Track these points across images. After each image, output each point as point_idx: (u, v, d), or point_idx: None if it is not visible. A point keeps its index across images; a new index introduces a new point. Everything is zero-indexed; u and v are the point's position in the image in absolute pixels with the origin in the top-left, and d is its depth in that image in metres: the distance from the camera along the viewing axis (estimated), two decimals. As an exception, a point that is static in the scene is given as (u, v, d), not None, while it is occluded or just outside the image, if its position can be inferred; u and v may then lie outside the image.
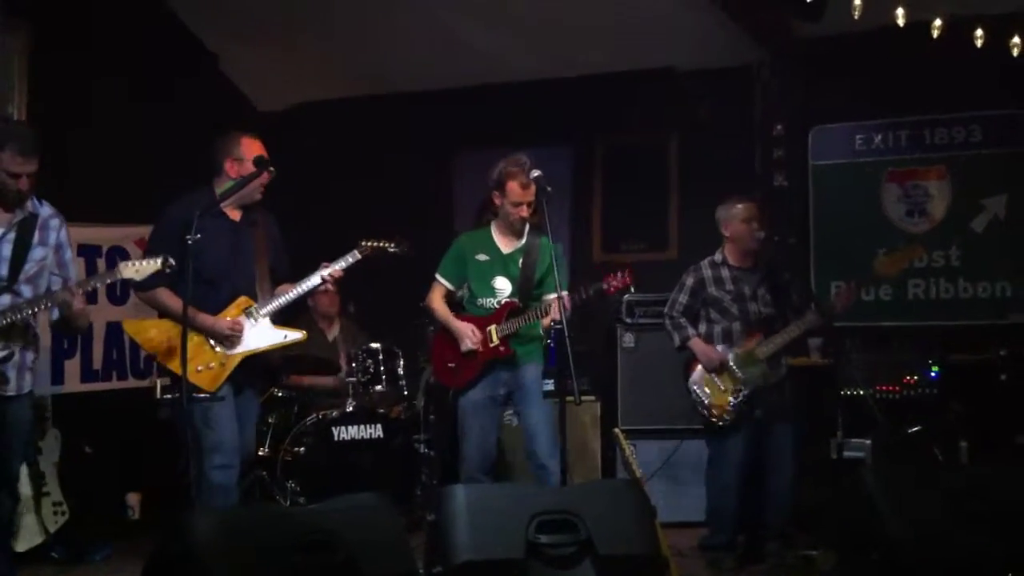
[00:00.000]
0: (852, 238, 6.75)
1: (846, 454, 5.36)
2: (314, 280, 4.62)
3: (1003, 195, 6.47)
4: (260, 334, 4.56)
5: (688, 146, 7.42)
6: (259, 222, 4.71)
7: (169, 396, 4.63)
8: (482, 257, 5.13)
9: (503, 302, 5.06)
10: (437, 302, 5.21)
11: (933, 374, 5.64)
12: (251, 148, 4.59)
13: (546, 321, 4.92)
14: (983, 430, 5.21)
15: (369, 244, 4.71)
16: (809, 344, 6.04)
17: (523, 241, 5.11)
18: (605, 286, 4.82)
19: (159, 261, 4.13)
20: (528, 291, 5.06)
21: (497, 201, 5.08)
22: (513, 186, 4.97)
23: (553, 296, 4.76)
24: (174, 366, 4.42)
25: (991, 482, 3.84)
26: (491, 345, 4.99)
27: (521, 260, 5.07)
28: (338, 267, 4.66)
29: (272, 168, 4.58)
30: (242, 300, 4.57)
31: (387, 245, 4.75)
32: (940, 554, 3.74)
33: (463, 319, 5.10)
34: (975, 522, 3.75)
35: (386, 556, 3.35)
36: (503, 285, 5.09)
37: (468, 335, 5.00)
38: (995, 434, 5.17)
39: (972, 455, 5.18)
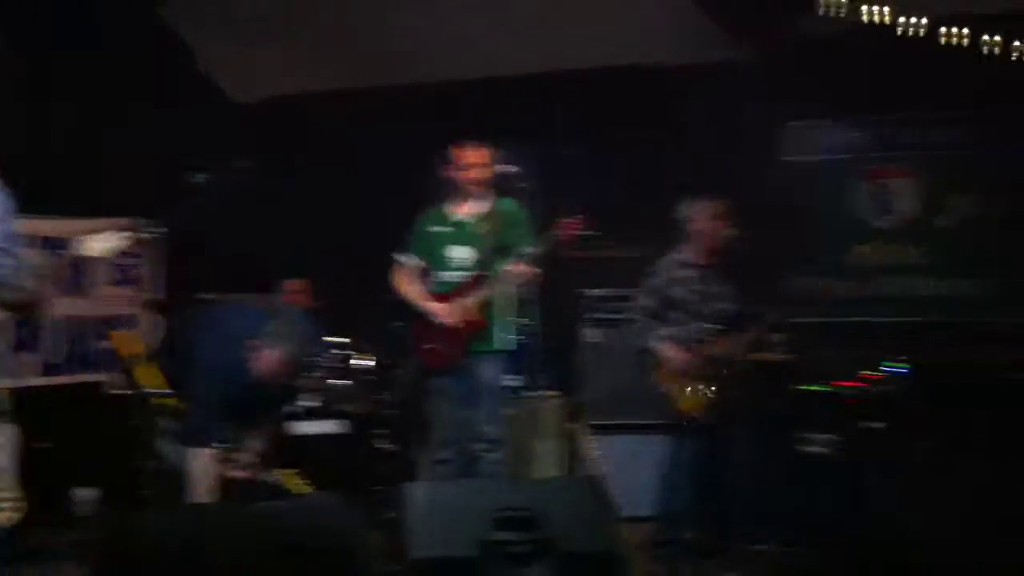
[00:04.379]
0: (825, 235, 6.77)
1: (808, 450, 5.34)
2: None
3: (970, 194, 6.49)
4: None
5: (663, 143, 7.38)
6: None
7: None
8: (438, 228, 5.09)
9: (469, 275, 5.00)
10: (404, 284, 5.14)
11: (896, 370, 5.62)
12: None
13: (515, 275, 4.82)
14: (946, 427, 5.20)
15: None
16: (770, 340, 6.02)
17: (481, 207, 5.05)
18: (558, 233, 4.79)
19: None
20: (491, 254, 4.98)
21: (450, 174, 5.05)
22: (459, 151, 4.99)
23: (516, 259, 4.81)
24: None
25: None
26: (464, 319, 4.95)
27: (481, 225, 5.02)
28: None
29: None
30: None
31: None
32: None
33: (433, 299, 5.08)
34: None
35: (346, 552, 3.32)
36: (462, 254, 5.03)
37: (441, 312, 4.96)
38: (958, 431, 5.16)
39: (934, 452, 5.16)
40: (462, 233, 5.05)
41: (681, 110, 6.97)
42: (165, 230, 4.17)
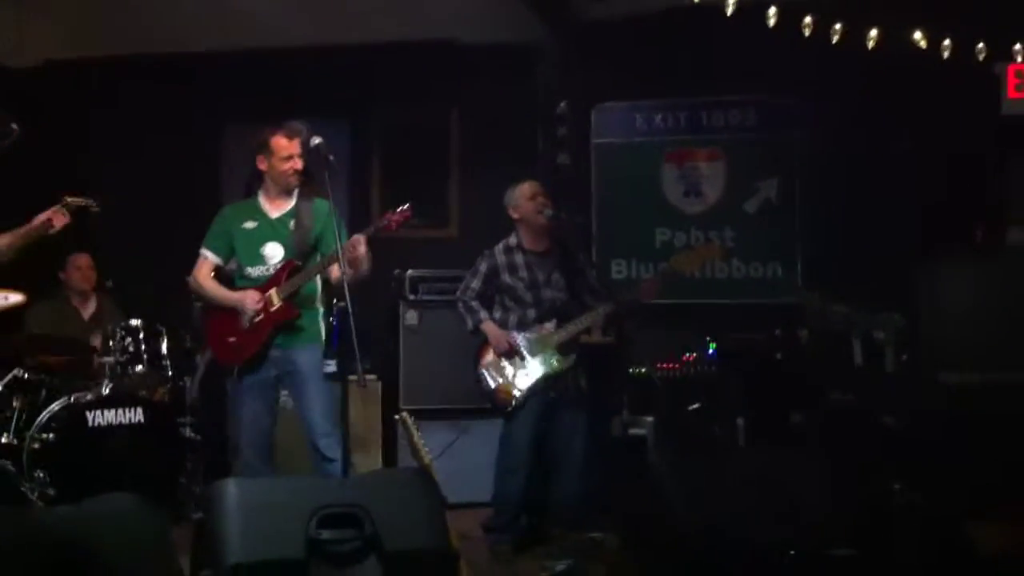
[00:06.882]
0: (633, 218, 6.80)
1: (630, 432, 5.37)
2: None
3: (775, 178, 6.65)
4: None
5: (470, 122, 7.28)
6: None
7: None
8: (249, 225, 4.80)
9: (279, 265, 4.73)
10: (204, 277, 4.87)
11: (711, 352, 5.71)
12: None
13: (335, 272, 4.55)
14: (759, 408, 5.31)
15: (73, 200, 4.81)
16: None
17: (293, 203, 4.81)
18: (385, 222, 4.57)
19: None
20: (304, 252, 4.75)
21: (263, 166, 4.77)
22: (278, 140, 4.70)
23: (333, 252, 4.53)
24: None
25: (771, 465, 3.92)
26: (273, 309, 4.65)
27: (293, 222, 4.77)
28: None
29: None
30: None
31: (91, 203, 4.85)
32: (722, 537, 3.78)
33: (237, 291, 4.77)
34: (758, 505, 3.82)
35: (147, 563, 3.03)
36: (273, 251, 4.76)
37: (248, 302, 4.66)
38: (770, 412, 5.29)
39: (749, 433, 5.28)
40: (272, 230, 4.79)
41: (481, 89, 6.85)
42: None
